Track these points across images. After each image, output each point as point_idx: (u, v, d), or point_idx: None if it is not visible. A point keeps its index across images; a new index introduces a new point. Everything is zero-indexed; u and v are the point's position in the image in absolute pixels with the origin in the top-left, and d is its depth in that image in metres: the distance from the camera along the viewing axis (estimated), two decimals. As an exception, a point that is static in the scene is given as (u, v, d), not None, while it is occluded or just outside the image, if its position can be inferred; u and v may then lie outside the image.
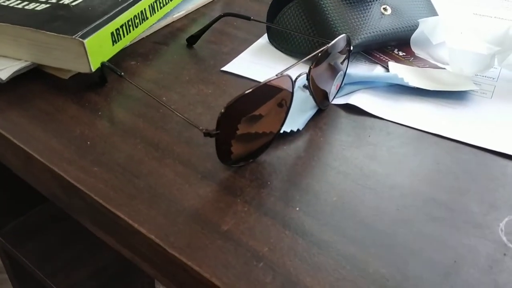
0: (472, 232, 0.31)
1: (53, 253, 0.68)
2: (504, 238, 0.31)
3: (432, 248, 0.30)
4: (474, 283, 0.28)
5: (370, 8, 0.48)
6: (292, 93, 0.35)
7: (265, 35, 0.52)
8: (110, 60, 0.45)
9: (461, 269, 0.29)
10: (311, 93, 0.39)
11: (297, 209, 0.33)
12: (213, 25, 0.52)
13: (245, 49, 0.51)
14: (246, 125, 0.33)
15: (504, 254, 0.30)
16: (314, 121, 0.40)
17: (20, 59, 0.45)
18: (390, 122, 0.41)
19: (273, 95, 0.33)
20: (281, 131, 0.37)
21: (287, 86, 0.34)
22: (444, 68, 0.47)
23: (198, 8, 0.59)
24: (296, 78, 0.35)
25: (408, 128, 0.40)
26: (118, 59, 0.48)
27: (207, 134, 0.32)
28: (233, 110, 0.32)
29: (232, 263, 0.29)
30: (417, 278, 0.28)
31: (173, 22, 0.57)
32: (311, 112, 0.40)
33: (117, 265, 0.70)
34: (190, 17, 0.58)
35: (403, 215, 0.32)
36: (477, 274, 0.28)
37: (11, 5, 0.47)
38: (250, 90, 0.32)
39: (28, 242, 0.68)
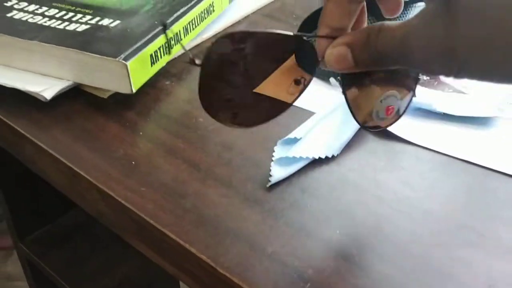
0: (506, 258, 0.33)
1: (77, 263, 0.69)
2: (536, 264, 0.32)
3: (467, 272, 0.32)
4: (510, 307, 0.30)
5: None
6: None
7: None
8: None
9: (497, 294, 0.30)
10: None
11: (338, 232, 0.34)
12: (243, 47, 0.53)
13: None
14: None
15: (536, 280, 0.31)
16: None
17: (62, 79, 0.47)
18: (418, 147, 0.42)
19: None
20: (318, 157, 0.39)
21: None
22: (468, 94, 0.48)
23: (225, 29, 0.61)
24: None
25: (436, 153, 0.42)
26: (153, 79, 0.50)
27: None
28: None
29: (280, 284, 0.31)
30: (455, 301, 0.30)
31: (202, 42, 0.58)
32: (346, 138, 0.42)
33: (143, 275, 0.72)
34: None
35: (438, 240, 0.34)
36: (512, 299, 0.30)
37: (52, 25, 0.49)
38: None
39: (52, 251, 0.69)
